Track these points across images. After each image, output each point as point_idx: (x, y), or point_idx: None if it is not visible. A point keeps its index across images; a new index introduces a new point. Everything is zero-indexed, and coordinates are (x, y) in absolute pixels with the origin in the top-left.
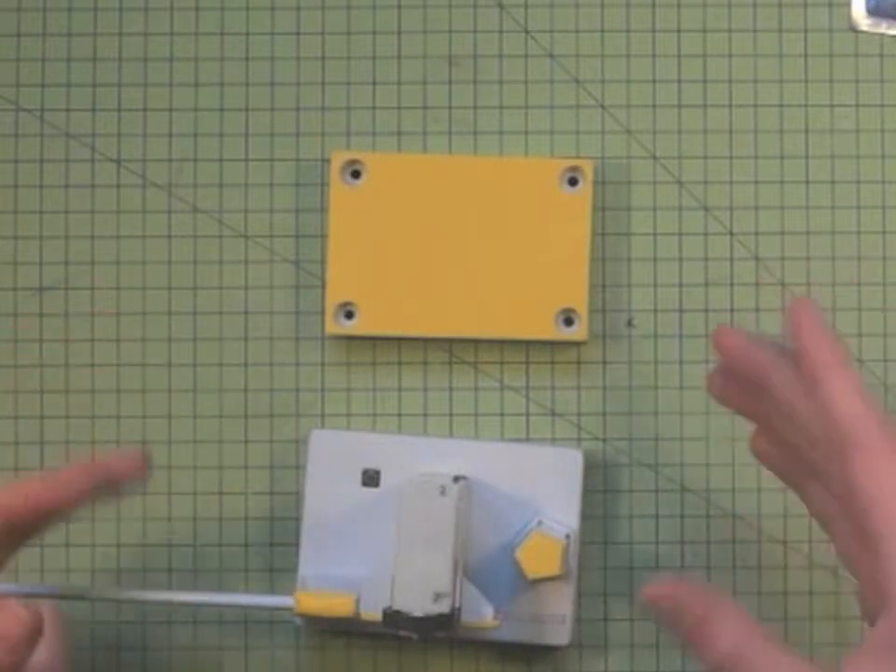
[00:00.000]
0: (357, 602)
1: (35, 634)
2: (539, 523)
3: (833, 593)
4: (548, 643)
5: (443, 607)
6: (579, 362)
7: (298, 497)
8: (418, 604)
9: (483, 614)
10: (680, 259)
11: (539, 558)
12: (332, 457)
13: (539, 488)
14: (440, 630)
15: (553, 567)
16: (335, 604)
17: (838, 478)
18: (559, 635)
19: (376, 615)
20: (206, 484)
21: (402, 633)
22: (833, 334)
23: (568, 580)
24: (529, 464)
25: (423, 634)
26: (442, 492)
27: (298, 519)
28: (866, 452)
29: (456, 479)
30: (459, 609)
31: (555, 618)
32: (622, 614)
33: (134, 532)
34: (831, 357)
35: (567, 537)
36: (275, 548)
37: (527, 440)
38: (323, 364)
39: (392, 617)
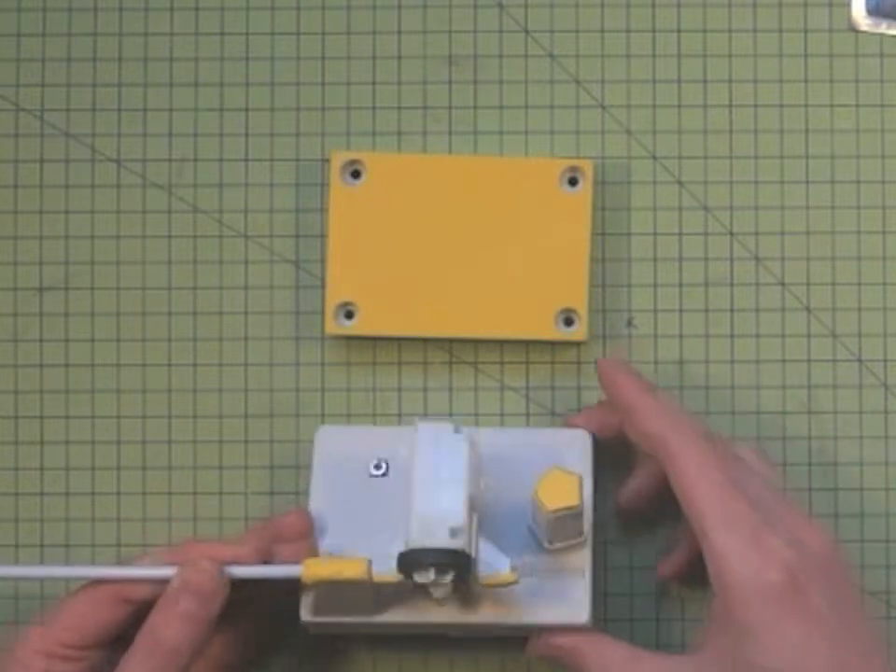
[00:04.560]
0: (370, 564)
1: (223, 587)
2: (556, 466)
3: None
4: (567, 622)
5: (459, 542)
6: (579, 362)
7: (298, 497)
8: (435, 540)
9: (499, 568)
10: (680, 259)
11: (558, 491)
12: (339, 453)
13: (549, 465)
14: (456, 572)
15: (572, 498)
16: (346, 566)
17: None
18: (578, 610)
19: (390, 576)
20: (206, 484)
21: (418, 578)
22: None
23: (584, 545)
24: (539, 445)
25: (440, 571)
26: (456, 430)
27: None
28: (678, 460)
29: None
30: (475, 560)
31: (574, 579)
32: (623, 615)
33: (135, 532)
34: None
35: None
36: None
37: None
38: (323, 364)
39: (408, 556)
